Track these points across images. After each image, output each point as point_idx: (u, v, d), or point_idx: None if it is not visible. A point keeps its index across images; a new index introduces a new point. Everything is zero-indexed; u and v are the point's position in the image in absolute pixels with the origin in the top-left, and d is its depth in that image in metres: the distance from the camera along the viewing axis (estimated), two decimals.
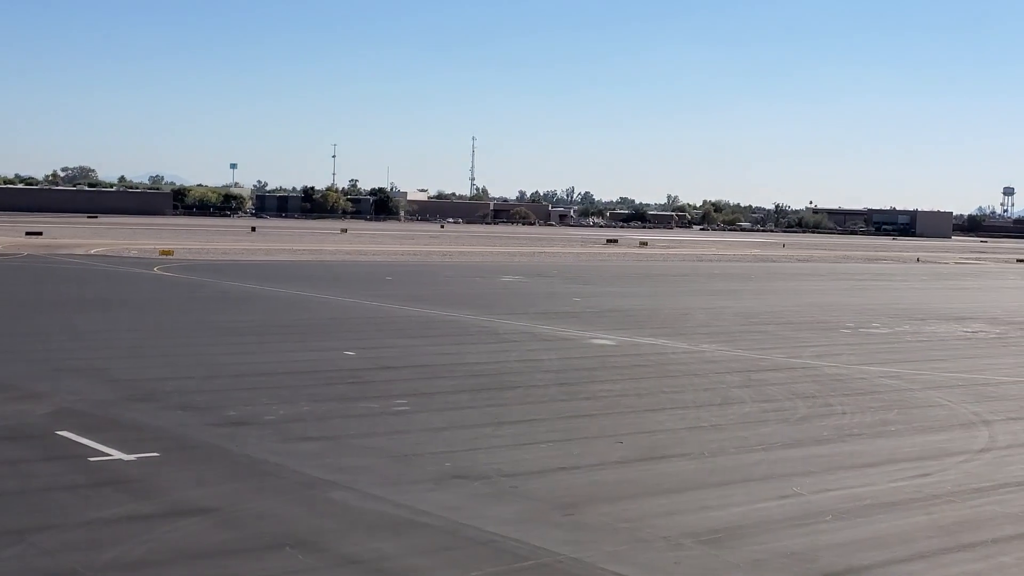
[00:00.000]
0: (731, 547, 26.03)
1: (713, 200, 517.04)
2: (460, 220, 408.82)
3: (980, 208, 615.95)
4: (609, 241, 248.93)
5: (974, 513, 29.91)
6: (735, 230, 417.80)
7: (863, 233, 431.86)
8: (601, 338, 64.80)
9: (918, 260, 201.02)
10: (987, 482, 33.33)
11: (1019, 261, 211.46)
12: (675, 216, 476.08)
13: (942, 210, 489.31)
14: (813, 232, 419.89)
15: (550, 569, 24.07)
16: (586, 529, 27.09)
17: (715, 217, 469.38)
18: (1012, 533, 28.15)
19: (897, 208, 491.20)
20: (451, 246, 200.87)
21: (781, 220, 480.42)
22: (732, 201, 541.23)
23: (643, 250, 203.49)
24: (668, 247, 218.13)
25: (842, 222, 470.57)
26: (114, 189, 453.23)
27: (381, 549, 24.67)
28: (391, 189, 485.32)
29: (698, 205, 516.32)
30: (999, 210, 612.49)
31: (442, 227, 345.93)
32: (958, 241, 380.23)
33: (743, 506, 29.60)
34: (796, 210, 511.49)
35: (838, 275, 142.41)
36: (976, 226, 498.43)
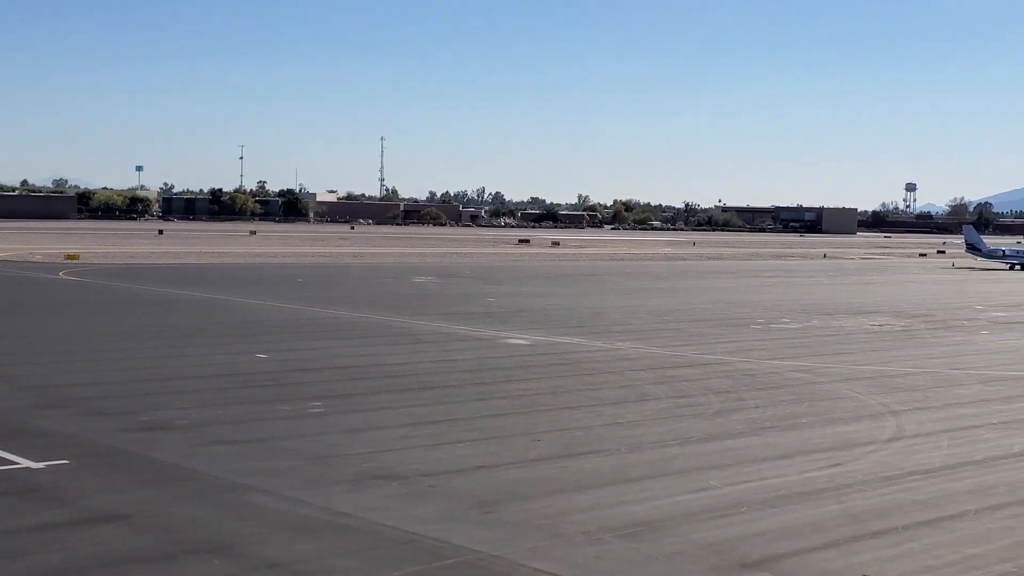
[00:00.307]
0: (650, 540, 26.27)
1: (624, 199, 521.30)
2: (370, 221, 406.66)
3: (883, 204, 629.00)
4: (521, 241, 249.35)
5: (884, 501, 30.51)
6: (646, 229, 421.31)
7: (771, 230, 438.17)
8: (516, 338, 64.99)
9: (825, 256, 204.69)
10: (896, 471, 34.03)
11: (921, 255, 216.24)
12: (586, 216, 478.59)
13: (847, 207, 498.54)
14: (723, 230, 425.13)
15: (471, 567, 24.09)
16: (506, 526, 27.14)
17: (626, 216, 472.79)
18: (920, 520, 28.76)
19: (804, 205, 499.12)
20: (362, 247, 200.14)
21: (691, 218, 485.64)
22: (643, 200, 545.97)
23: (555, 250, 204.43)
24: (580, 247, 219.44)
25: (751, 220, 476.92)
26: (16, 193, 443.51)
27: (300, 552, 24.49)
28: (300, 190, 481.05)
29: (609, 205, 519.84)
30: (902, 206, 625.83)
31: (352, 228, 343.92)
32: (863, 237, 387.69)
33: (661, 500, 29.89)
34: (706, 208, 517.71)
35: (748, 272, 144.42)
36: (880, 222, 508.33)
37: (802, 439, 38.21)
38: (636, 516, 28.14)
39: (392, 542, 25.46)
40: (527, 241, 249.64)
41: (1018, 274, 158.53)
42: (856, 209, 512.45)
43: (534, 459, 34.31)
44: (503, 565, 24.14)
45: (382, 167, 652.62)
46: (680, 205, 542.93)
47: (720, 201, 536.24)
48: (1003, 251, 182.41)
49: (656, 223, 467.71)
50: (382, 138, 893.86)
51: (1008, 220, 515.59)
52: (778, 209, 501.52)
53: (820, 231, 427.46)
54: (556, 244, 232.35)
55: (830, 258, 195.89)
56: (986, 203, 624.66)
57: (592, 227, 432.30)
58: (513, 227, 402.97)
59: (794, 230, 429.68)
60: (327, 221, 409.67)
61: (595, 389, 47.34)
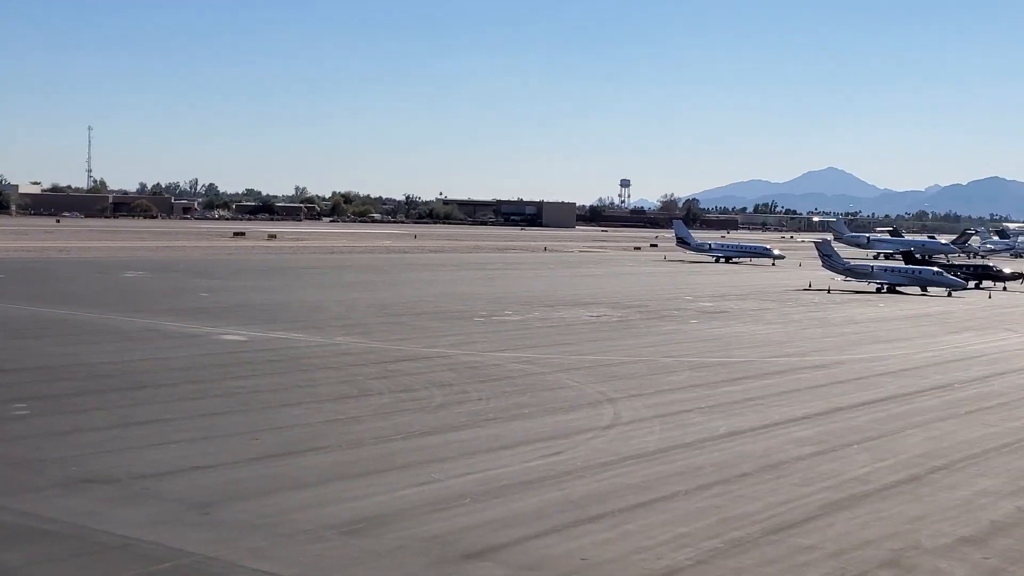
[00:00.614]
0: (373, 536, 26.00)
1: (343, 191, 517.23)
2: (78, 214, 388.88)
3: (600, 199, 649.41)
4: (236, 234, 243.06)
5: (602, 486, 31.32)
6: (366, 221, 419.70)
7: (493, 223, 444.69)
8: (232, 333, 63.37)
9: (545, 249, 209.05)
10: (613, 456, 35.01)
11: (636, 249, 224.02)
12: (304, 208, 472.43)
13: (566, 201, 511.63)
14: (444, 223, 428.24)
15: (189, 570, 23.23)
16: (224, 527, 26.31)
17: (345, 209, 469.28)
18: (635, 502, 29.69)
19: (525, 199, 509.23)
20: (69, 241, 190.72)
21: (412, 211, 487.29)
22: (363, 192, 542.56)
23: (272, 243, 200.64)
24: (298, 239, 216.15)
25: (472, 213, 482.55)
26: None
27: (5, 561, 23.09)
28: (1, 182, 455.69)
29: (328, 197, 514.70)
30: (617, 200, 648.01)
31: (58, 221, 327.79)
32: (581, 231, 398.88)
33: (384, 495, 29.65)
34: (427, 201, 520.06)
35: (470, 265, 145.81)
36: (597, 216, 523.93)
37: (524, 429, 38.77)
38: (358, 512, 27.81)
39: (105, 547, 24.34)
40: (243, 234, 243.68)
41: (723, 266, 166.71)
42: (575, 204, 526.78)
43: (253, 458, 33.44)
44: (220, 567, 23.38)
45: (89, 158, 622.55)
46: (401, 197, 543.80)
47: (441, 194, 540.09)
48: (710, 245, 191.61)
49: (376, 216, 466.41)
50: (89, 127, 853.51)
51: (713, 216, 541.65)
52: (500, 203, 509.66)
53: (541, 224, 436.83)
54: (273, 237, 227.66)
55: (551, 251, 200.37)
56: (694, 199, 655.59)
57: (310, 219, 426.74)
58: (228, 220, 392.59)
59: (515, 223, 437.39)
60: (31, 214, 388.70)
61: (315, 385, 46.65)
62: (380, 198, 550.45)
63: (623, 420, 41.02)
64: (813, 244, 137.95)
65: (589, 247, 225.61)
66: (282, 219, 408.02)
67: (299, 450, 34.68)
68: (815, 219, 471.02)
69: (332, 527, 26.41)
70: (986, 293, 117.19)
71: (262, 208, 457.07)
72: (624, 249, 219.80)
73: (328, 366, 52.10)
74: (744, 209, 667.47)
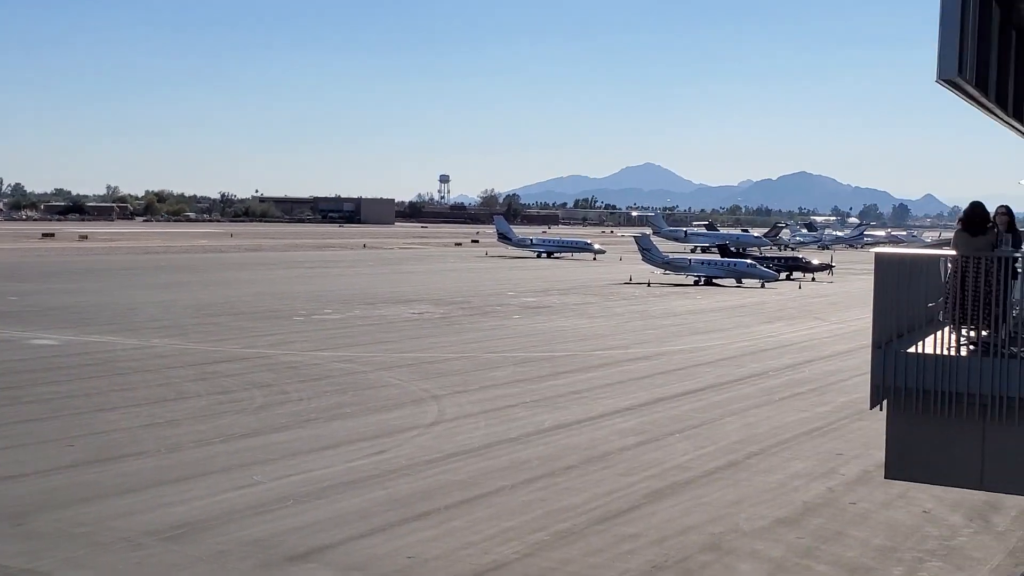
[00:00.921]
0: (194, 541, 25.39)
1: (157, 190, 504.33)
2: None
3: (420, 195, 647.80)
4: (46, 235, 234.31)
5: (427, 484, 31.27)
6: (181, 220, 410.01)
7: (311, 221, 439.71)
8: (43, 338, 61.09)
9: (365, 246, 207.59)
10: (437, 453, 35.00)
11: (457, 245, 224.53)
12: (116, 208, 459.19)
13: (385, 197, 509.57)
14: (261, 221, 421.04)
15: None
16: (39, 538, 25.32)
17: (159, 208, 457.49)
18: (461, 499, 29.76)
19: (343, 196, 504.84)
20: None
21: (228, 209, 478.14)
22: (177, 191, 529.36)
23: (84, 244, 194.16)
24: (111, 240, 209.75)
25: (290, 210, 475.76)
26: None
27: None
28: None
29: (141, 196, 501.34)
30: (437, 197, 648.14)
31: None
32: (401, 227, 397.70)
33: (204, 499, 29.00)
34: (243, 199, 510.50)
35: (289, 263, 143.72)
36: (417, 212, 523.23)
37: (347, 429, 38.43)
38: (179, 517, 27.14)
39: None
40: (52, 235, 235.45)
41: (545, 261, 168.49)
42: (394, 200, 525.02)
43: (68, 465, 32.31)
44: None
45: None
46: (216, 196, 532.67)
47: (258, 192, 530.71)
48: (531, 240, 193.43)
49: (191, 214, 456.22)
50: None
51: (534, 211, 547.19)
52: (317, 200, 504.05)
53: (359, 221, 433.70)
54: (84, 238, 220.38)
55: (370, 248, 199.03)
56: (514, 195, 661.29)
57: (123, 219, 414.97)
58: (36, 220, 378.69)
59: (334, 220, 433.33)
60: None
61: (131, 389, 45.34)
62: (195, 196, 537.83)
63: (448, 417, 41.05)
64: (633, 238, 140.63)
65: (409, 244, 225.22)
66: (94, 219, 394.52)
67: (116, 456, 33.63)
68: (634, 214, 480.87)
69: (151, 533, 25.71)
70: (796, 284, 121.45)
71: (72, 208, 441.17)
72: (445, 245, 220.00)
73: (144, 369, 50.68)
74: (564, 204, 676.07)
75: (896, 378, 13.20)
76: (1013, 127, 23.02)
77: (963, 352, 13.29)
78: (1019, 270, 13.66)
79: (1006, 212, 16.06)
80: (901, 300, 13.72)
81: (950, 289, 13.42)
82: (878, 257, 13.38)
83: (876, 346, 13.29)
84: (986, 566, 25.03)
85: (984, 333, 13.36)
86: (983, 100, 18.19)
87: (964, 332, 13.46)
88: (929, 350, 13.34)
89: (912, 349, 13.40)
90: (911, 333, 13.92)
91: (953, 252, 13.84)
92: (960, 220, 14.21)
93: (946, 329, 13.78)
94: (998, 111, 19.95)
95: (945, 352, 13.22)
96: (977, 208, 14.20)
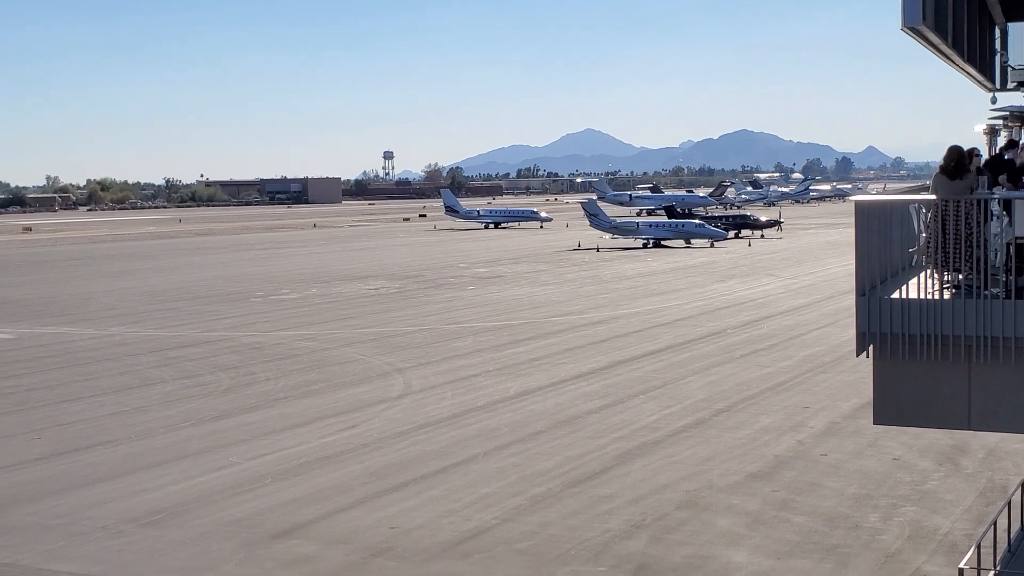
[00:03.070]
0: (175, 525, 25.35)
1: (99, 179, 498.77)
2: None
3: (365, 173, 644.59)
4: None
5: (401, 455, 31.39)
6: (126, 208, 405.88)
7: (258, 203, 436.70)
8: None
9: (315, 226, 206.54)
10: (408, 425, 35.10)
11: (405, 220, 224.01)
12: (59, 198, 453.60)
13: (331, 176, 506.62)
14: (208, 205, 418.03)
15: None
16: (15, 532, 25.15)
17: (103, 196, 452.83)
18: (436, 468, 29.90)
19: (288, 177, 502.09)
20: None
21: (174, 195, 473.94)
22: (120, 179, 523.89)
23: (28, 236, 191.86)
24: (56, 231, 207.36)
25: (236, 193, 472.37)
26: None
27: None
28: None
29: (83, 185, 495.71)
30: (382, 173, 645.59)
31: None
32: (348, 205, 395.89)
33: (181, 483, 28.94)
34: (188, 184, 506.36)
35: (240, 246, 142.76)
36: (363, 190, 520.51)
37: (317, 406, 38.43)
38: (156, 503, 27.09)
39: None
40: None
41: (493, 232, 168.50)
42: (340, 179, 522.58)
43: (36, 458, 32.10)
44: (20, 572, 22.41)
45: None
46: (161, 182, 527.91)
47: (203, 176, 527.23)
48: (478, 212, 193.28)
49: (137, 202, 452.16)
50: None
51: (478, 183, 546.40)
52: (264, 182, 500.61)
53: (307, 202, 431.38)
54: (28, 230, 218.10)
55: (320, 228, 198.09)
56: (458, 168, 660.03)
57: (66, 210, 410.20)
58: None
59: (281, 202, 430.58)
60: None
61: (93, 379, 45.02)
62: (139, 183, 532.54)
63: (414, 389, 41.15)
64: (580, 204, 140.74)
65: (358, 221, 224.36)
66: (35, 211, 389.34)
67: (85, 446, 33.46)
68: (578, 180, 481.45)
69: (131, 520, 25.66)
70: (746, 242, 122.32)
71: (12, 201, 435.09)
72: (394, 221, 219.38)
73: (105, 358, 50.30)
74: (507, 175, 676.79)
75: (881, 325, 13.41)
76: (968, 74, 23.35)
77: (946, 295, 13.55)
78: (993, 212, 13.93)
79: (978, 154, 16.34)
80: (882, 247, 13.94)
81: (931, 233, 13.64)
82: (858, 205, 13.55)
83: (860, 293, 13.48)
84: (959, 507, 25.53)
85: (962, 276, 13.62)
86: (942, 47, 18.46)
87: (946, 275, 13.71)
88: (913, 295, 13.59)
89: (895, 295, 13.63)
90: (893, 278, 14.17)
91: (933, 197, 14.08)
92: (940, 165, 14.45)
93: (922, 274, 14.02)
94: (955, 57, 20.25)
95: (928, 296, 13.47)
96: (955, 152, 14.45)
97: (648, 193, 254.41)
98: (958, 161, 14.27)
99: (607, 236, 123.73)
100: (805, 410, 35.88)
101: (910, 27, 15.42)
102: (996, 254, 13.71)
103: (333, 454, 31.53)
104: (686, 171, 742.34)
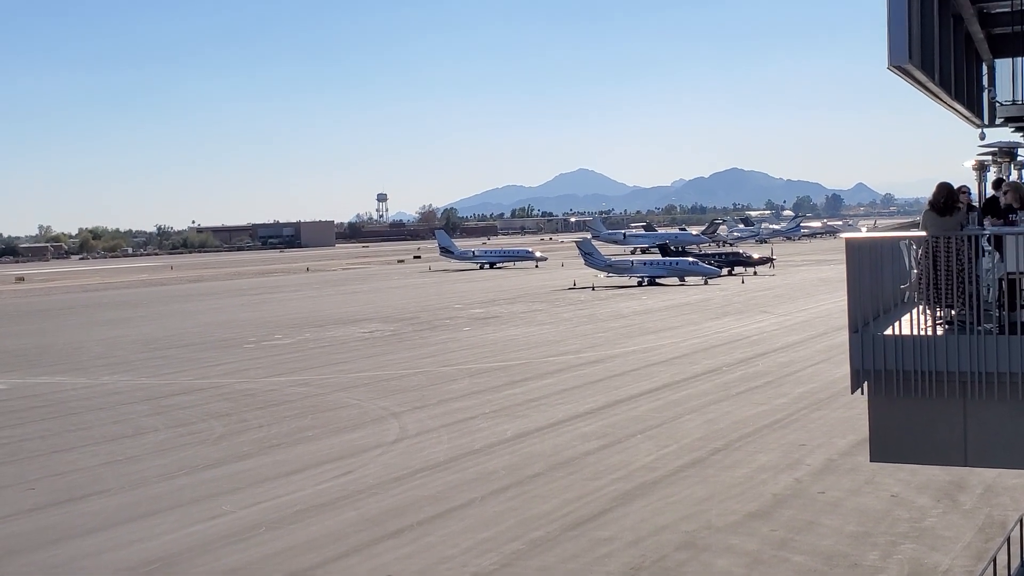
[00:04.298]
0: (169, 575, 25.16)
1: (91, 227, 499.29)
2: None
3: (359, 215, 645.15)
4: None
5: (397, 501, 31.18)
6: (119, 256, 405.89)
7: (251, 248, 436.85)
8: None
9: (308, 269, 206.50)
10: (404, 470, 34.90)
11: (400, 262, 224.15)
12: (51, 247, 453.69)
13: (324, 220, 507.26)
14: (200, 252, 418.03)
15: None
16: None
17: (95, 245, 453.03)
18: (433, 513, 29.70)
19: (281, 221, 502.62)
20: None
21: (165, 242, 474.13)
22: (112, 227, 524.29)
23: (21, 286, 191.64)
24: (48, 280, 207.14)
25: (228, 239, 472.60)
26: None
27: None
28: None
29: (75, 234, 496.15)
30: (375, 216, 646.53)
31: None
32: (342, 248, 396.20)
33: (175, 533, 28.71)
34: (180, 231, 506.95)
35: (232, 292, 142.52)
36: (357, 232, 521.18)
37: (311, 452, 38.22)
38: (150, 553, 26.87)
39: None
40: None
41: (488, 272, 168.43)
42: (333, 222, 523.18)
43: (31, 509, 31.88)
44: None
45: None
46: (153, 229, 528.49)
47: (195, 222, 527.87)
48: (473, 252, 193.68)
49: (129, 249, 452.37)
50: None
51: (473, 223, 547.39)
52: (256, 226, 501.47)
53: (300, 246, 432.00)
54: (21, 280, 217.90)
55: (313, 271, 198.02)
56: (452, 208, 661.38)
57: (59, 259, 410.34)
58: None
59: (274, 246, 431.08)
60: None
61: (86, 428, 44.81)
62: (131, 231, 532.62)
63: (410, 433, 40.96)
64: (575, 244, 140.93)
65: (352, 264, 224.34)
66: (28, 260, 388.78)
67: (79, 496, 33.24)
68: (572, 219, 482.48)
69: (126, 570, 25.47)
70: (739, 279, 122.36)
71: (5, 251, 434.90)
72: (388, 263, 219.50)
73: (98, 407, 50.09)
74: (502, 215, 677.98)
75: (875, 361, 13.36)
76: (956, 110, 23.42)
77: (939, 331, 13.51)
78: (985, 248, 13.91)
79: (967, 192, 16.36)
80: (874, 283, 13.91)
81: (923, 269, 13.62)
82: (849, 242, 13.54)
83: (853, 330, 13.44)
84: (958, 544, 25.38)
85: (955, 312, 13.59)
86: (929, 85, 18.52)
87: (938, 311, 13.67)
88: (906, 331, 13.55)
89: (888, 331, 13.59)
90: (885, 315, 14.12)
91: (923, 233, 14.07)
92: (930, 202, 14.46)
93: (914, 310, 13.99)
94: (943, 95, 20.32)
95: (921, 332, 13.43)
96: (944, 188, 14.47)
97: (642, 232, 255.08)
98: (947, 197, 14.28)
99: (602, 275, 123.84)
100: (802, 447, 35.75)
101: (896, 66, 15.47)
102: (989, 289, 13.68)
103: (328, 501, 31.31)
104: (679, 209, 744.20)
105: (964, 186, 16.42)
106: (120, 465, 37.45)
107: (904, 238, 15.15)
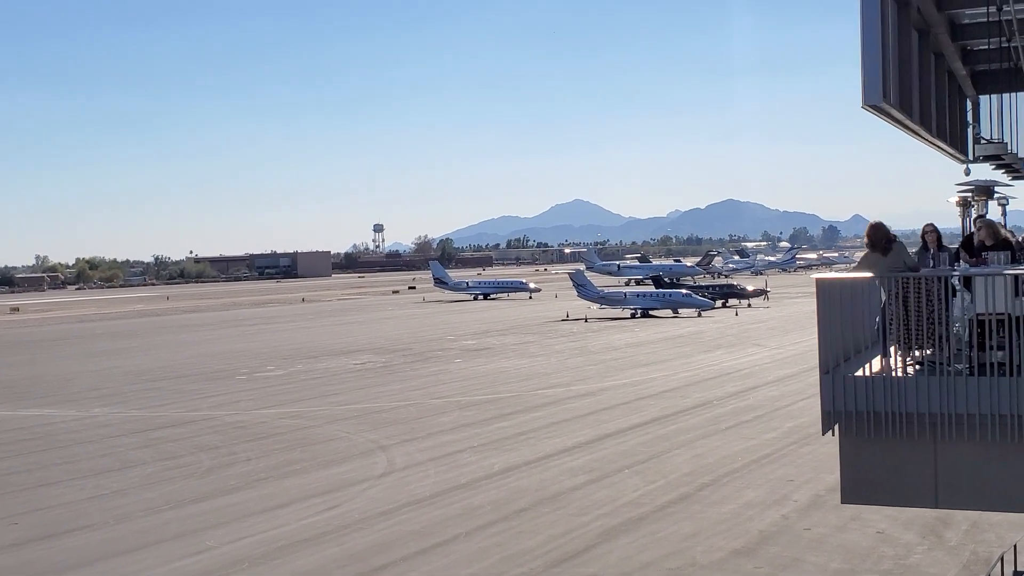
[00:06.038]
0: None
1: (88, 257, 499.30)
2: None
3: (355, 246, 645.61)
4: None
5: (382, 536, 31.05)
6: (115, 287, 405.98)
7: (247, 278, 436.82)
8: None
9: (303, 300, 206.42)
10: (391, 504, 34.77)
11: (395, 292, 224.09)
12: (47, 278, 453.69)
13: (320, 250, 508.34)
14: (197, 282, 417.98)
15: None
16: None
17: (91, 275, 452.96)
18: (416, 549, 29.57)
19: (278, 251, 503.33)
20: None
21: (162, 272, 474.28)
22: (109, 257, 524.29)
23: (15, 316, 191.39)
24: (44, 310, 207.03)
25: (225, 269, 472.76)
26: None
27: None
28: None
29: (72, 264, 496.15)
30: (371, 246, 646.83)
31: None
32: (338, 278, 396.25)
33: (157, 569, 28.56)
34: (177, 261, 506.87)
35: (227, 323, 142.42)
36: (353, 263, 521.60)
37: (298, 486, 38.09)
38: None
39: None
40: None
41: (482, 303, 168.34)
42: (329, 252, 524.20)
43: (12, 544, 31.73)
44: None
45: None
46: (150, 259, 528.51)
47: (192, 252, 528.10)
48: (467, 283, 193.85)
49: (125, 280, 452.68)
50: None
51: (468, 254, 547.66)
52: (253, 257, 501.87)
53: (296, 276, 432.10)
54: (16, 310, 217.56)
55: (309, 302, 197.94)
56: (448, 239, 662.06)
57: (55, 289, 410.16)
58: None
59: (271, 276, 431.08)
60: None
61: (73, 461, 44.64)
62: (128, 261, 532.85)
63: (397, 467, 40.84)
64: (568, 275, 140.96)
65: (347, 294, 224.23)
66: (24, 291, 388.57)
67: (63, 531, 33.07)
68: (567, 251, 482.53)
69: None
70: (733, 311, 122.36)
71: (1, 281, 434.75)
72: (383, 294, 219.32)
73: (86, 440, 49.92)
74: (497, 245, 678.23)
75: (846, 402, 13.34)
76: (937, 147, 23.47)
77: (909, 372, 13.48)
78: (956, 287, 13.91)
79: (933, 230, 16.39)
80: (845, 324, 13.91)
81: (893, 311, 13.61)
82: (819, 283, 13.53)
83: (824, 371, 13.42)
84: None
85: (926, 352, 13.59)
86: (908, 123, 18.56)
87: (908, 352, 13.66)
88: (876, 372, 13.52)
89: (859, 372, 13.56)
90: (857, 356, 14.11)
91: (895, 274, 14.07)
92: (867, 243, 14.66)
93: (886, 351, 13.97)
94: (923, 132, 20.36)
95: (892, 373, 13.40)
96: (880, 227, 14.75)
97: (636, 263, 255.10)
98: (886, 236, 14.52)
99: (595, 306, 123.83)
100: (789, 483, 35.64)
101: (871, 105, 15.51)
102: (961, 330, 13.67)
103: (312, 536, 31.17)
104: (674, 240, 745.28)
105: (929, 224, 16.46)
106: (106, 499, 37.28)
107: (874, 279, 15.13)
